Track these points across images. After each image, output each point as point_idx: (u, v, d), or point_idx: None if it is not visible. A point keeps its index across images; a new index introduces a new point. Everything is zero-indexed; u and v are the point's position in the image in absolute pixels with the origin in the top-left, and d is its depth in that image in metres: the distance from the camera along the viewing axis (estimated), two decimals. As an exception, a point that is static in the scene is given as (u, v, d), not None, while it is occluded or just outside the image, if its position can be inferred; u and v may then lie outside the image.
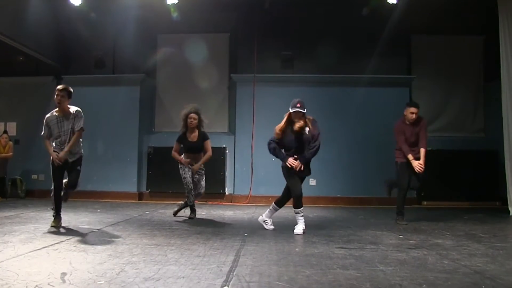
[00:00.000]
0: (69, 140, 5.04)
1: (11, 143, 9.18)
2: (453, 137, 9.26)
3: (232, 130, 9.43)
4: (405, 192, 5.87)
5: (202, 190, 6.18)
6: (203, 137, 6.16)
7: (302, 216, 4.96)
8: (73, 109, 5.12)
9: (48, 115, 5.14)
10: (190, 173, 6.00)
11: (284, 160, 4.90)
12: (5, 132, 9.31)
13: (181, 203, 6.30)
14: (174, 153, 6.14)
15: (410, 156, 5.73)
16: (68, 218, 5.91)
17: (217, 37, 9.63)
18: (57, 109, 5.12)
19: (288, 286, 2.71)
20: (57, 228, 4.98)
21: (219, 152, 9.12)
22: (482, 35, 9.29)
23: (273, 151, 4.96)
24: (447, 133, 9.28)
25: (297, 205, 4.91)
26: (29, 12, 8.30)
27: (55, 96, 5.06)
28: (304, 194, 4.92)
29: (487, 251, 3.94)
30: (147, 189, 9.40)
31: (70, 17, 9.28)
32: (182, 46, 9.43)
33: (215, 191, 8.90)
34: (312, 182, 8.77)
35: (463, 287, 2.74)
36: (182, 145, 6.17)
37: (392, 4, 8.37)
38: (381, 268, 3.22)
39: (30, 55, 8.97)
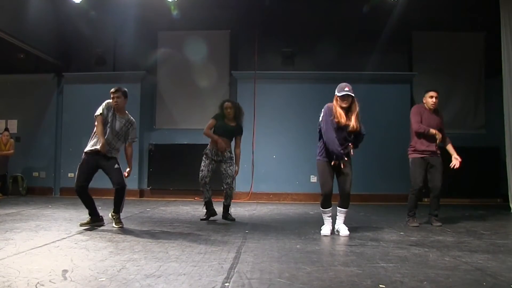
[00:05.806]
0: (114, 143, 4.81)
1: (12, 140, 9.17)
2: (454, 133, 9.08)
3: (233, 127, 9.40)
4: (418, 192, 5.34)
5: (230, 189, 5.71)
6: (240, 128, 5.73)
7: (329, 216, 4.68)
8: (130, 116, 4.89)
9: (109, 101, 4.81)
10: (210, 166, 5.61)
11: (339, 158, 4.37)
12: (6, 129, 9.30)
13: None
14: (208, 131, 5.58)
15: (432, 130, 5.22)
16: (70, 216, 5.93)
17: (217, 34, 9.60)
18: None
19: (289, 283, 2.71)
20: (84, 225, 4.91)
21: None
22: (483, 31, 9.25)
23: (332, 143, 4.32)
24: (448, 129, 9.03)
25: (324, 204, 4.64)
26: (30, 9, 8.28)
27: (111, 100, 4.78)
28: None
29: (488, 248, 3.94)
30: (148, 186, 9.41)
31: (70, 14, 9.26)
32: (182, 43, 9.40)
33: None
34: (313, 179, 8.75)
35: (464, 284, 2.74)
36: (216, 124, 5.62)
37: (393, 0, 8.35)
38: (382, 265, 3.23)
39: (31, 53, 8.95)
